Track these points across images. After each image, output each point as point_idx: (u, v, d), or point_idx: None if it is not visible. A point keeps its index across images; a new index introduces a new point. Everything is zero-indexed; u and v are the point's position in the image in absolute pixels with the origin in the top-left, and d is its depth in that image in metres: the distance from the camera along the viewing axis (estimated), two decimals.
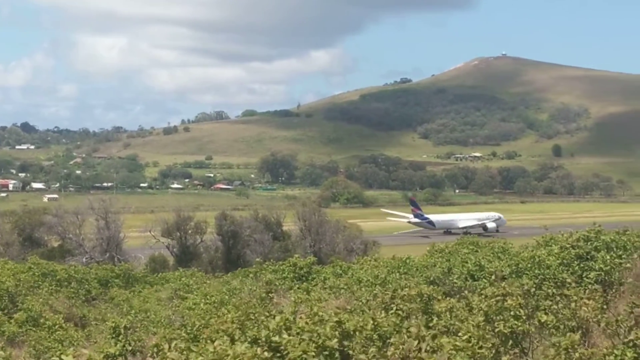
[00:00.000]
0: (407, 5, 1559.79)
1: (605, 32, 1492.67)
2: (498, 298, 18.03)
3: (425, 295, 20.60)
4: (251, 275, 50.04)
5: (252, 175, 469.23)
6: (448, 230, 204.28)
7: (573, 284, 21.75)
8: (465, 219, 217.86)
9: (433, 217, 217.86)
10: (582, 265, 29.61)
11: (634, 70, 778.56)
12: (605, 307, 17.68)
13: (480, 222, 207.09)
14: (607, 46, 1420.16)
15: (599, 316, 17.13)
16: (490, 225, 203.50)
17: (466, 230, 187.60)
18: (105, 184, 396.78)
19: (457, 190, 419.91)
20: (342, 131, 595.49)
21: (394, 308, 18.80)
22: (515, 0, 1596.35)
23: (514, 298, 17.82)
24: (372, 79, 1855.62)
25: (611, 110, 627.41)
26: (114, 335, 24.13)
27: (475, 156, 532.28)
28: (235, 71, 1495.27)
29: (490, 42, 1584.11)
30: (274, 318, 15.22)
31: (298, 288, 38.47)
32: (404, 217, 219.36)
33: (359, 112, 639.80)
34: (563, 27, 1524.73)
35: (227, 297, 38.11)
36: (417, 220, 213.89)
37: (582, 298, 17.98)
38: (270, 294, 33.63)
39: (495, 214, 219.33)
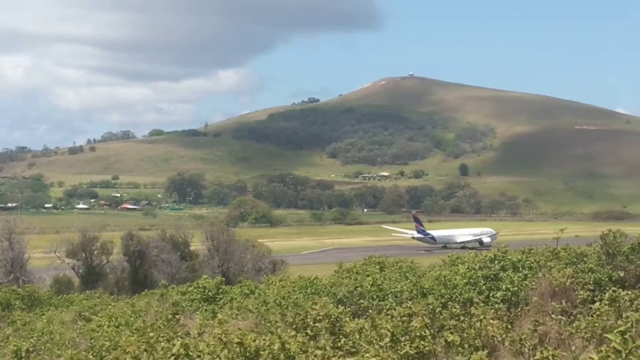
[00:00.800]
0: (317, 26, 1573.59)
1: (513, 53, 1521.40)
2: (404, 318, 17.99)
3: (332, 316, 20.50)
4: (157, 296, 49.30)
5: (159, 195, 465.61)
6: (445, 245, 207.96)
7: (480, 303, 21.85)
8: (462, 234, 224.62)
9: (434, 233, 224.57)
10: (488, 284, 29.84)
11: (540, 91, 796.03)
12: (510, 326, 17.77)
13: (476, 237, 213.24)
14: (515, 67, 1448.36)
15: (504, 335, 17.22)
16: (486, 240, 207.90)
17: (463, 245, 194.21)
18: (9, 205, 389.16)
19: (365, 210, 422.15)
20: (250, 150, 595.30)
21: (303, 328, 18.64)
22: (422, 21, 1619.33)
23: (420, 318, 17.79)
24: (281, 99, 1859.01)
25: (517, 130, 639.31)
26: (16, 359, 23.47)
27: (383, 175, 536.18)
28: (142, 90, 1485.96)
29: (397, 63, 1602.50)
30: (175, 341, 14.95)
31: (205, 310, 37.97)
32: (407, 233, 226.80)
33: (267, 131, 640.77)
34: (471, 48, 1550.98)
35: (132, 318, 37.42)
36: (420, 235, 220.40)
37: (487, 317, 18.04)
38: (176, 316, 33.14)
39: (490, 230, 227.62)
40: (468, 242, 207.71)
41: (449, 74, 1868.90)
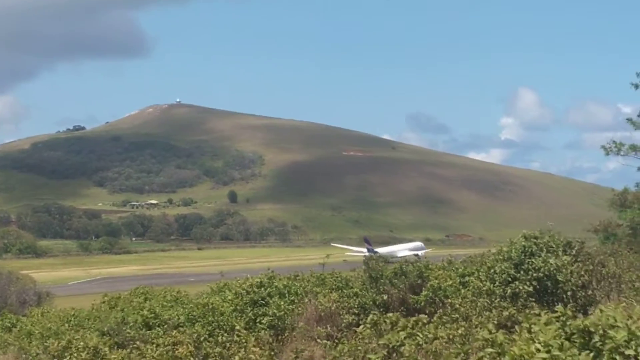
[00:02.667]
0: (81, 52, 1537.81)
1: (286, 81, 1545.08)
2: (168, 347, 17.79)
3: (92, 348, 20.02)
4: None
5: None
6: (387, 260, 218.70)
7: (242, 331, 21.88)
8: (401, 249, 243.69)
9: (380, 250, 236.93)
10: (255, 310, 29.96)
11: (314, 119, 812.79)
12: (274, 352, 17.87)
13: (412, 252, 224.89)
14: (288, 95, 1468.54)
15: None
16: (421, 253, 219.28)
17: (404, 259, 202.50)
18: None
19: (134, 238, 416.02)
20: (13, 180, 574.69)
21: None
22: (192, 49, 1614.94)
23: (185, 346, 17.62)
24: (45, 127, 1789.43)
25: (288, 157, 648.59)
26: None
27: (152, 203, 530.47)
28: None
29: (166, 90, 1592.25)
30: None
31: None
32: (361, 251, 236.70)
33: (32, 160, 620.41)
34: (243, 76, 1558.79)
35: None
36: (369, 254, 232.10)
37: (250, 345, 18.09)
38: None
39: (419, 243, 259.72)
40: (407, 256, 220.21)
41: (221, 102, 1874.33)
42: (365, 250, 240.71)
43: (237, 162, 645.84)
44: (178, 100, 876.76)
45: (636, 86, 49.27)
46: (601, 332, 9.63)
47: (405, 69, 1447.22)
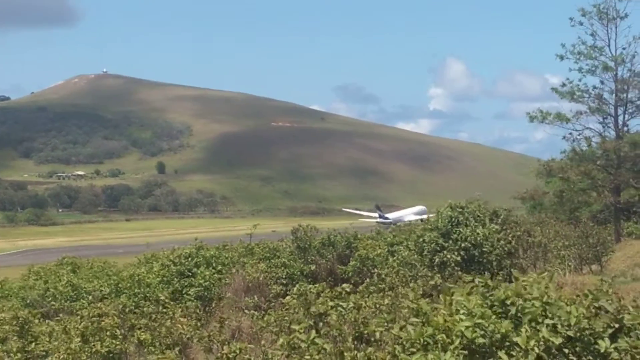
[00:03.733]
0: (5, 21, 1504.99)
1: (216, 52, 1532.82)
2: (94, 319, 17.61)
3: (20, 319, 19.76)
4: None
5: None
6: (397, 224, 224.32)
7: (168, 302, 21.76)
8: (407, 214, 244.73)
9: (389, 215, 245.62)
10: (182, 281, 29.82)
11: (244, 90, 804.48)
12: (200, 323, 17.81)
13: (417, 216, 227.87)
14: (218, 66, 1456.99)
15: (194, 332, 17.25)
16: (424, 217, 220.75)
17: (410, 222, 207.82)
18: None
19: (60, 210, 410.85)
20: None
21: None
22: (119, 19, 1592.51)
23: (110, 318, 17.47)
24: None
25: (217, 128, 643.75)
26: None
27: (79, 175, 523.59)
28: None
29: (92, 60, 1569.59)
30: None
31: None
32: (371, 216, 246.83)
33: None
34: (172, 47, 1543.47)
35: None
36: (381, 220, 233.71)
37: (177, 315, 18.01)
38: None
39: (422, 207, 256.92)
40: (413, 220, 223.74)
41: (149, 72, 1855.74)
42: (377, 215, 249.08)
43: (166, 132, 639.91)
44: (105, 70, 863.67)
45: (561, 57, 49.90)
46: (520, 302, 9.72)
47: (335, 39, 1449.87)
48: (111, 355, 17.11)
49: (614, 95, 49.84)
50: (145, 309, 21.52)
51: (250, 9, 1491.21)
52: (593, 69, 49.46)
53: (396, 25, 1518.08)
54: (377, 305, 17.32)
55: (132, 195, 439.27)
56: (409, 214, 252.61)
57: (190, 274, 30.37)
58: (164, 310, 19.50)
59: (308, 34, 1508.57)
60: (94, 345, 17.03)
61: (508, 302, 9.83)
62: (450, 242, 30.80)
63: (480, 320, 9.54)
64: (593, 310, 9.71)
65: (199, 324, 18.09)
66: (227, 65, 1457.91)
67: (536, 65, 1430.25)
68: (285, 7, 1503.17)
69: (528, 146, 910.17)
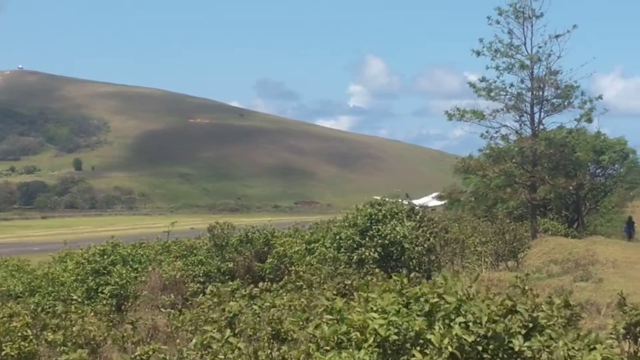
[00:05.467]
0: None
1: (134, 48, 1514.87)
2: (4, 319, 17.26)
3: None
4: None
5: None
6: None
7: (79, 300, 21.46)
8: (429, 200, 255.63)
9: (415, 202, 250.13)
10: (97, 280, 29.43)
11: (163, 86, 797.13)
12: (112, 323, 17.59)
13: (439, 202, 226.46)
14: (137, 62, 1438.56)
15: (106, 333, 17.03)
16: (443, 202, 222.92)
17: (433, 208, 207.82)
18: None
19: None
20: None
21: None
22: (35, 14, 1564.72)
23: (21, 318, 17.12)
24: None
25: (136, 124, 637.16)
26: None
27: None
28: None
29: (6, 56, 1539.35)
30: None
31: None
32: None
33: None
34: (90, 43, 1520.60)
35: None
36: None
37: (88, 315, 17.76)
38: None
39: (438, 193, 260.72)
40: (435, 205, 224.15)
41: (67, 69, 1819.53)
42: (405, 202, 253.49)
43: (83, 129, 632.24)
44: (20, 66, 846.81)
45: (477, 53, 50.50)
46: (433, 299, 9.72)
47: (252, 35, 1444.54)
48: (22, 356, 16.76)
49: (530, 93, 50.63)
50: (57, 308, 21.15)
51: (168, 4, 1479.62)
52: (510, 67, 50.17)
53: (314, 21, 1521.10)
54: (293, 304, 17.26)
55: (49, 192, 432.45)
56: (430, 199, 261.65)
57: (106, 272, 30.00)
58: (75, 309, 19.16)
59: (225, 30, 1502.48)
60: (4, 347, 16.66)
61: (422, 300, 9.83)
62: (368, 239, 30.93)
63: (394, 318, 9.51)
64: (507, 308, 9.74)
65: (110, 324, 17.82)
66: (146, 61, 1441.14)
67: (455, 63, 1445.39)
68: (202, 2, 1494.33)
69: (447, 143, 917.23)
